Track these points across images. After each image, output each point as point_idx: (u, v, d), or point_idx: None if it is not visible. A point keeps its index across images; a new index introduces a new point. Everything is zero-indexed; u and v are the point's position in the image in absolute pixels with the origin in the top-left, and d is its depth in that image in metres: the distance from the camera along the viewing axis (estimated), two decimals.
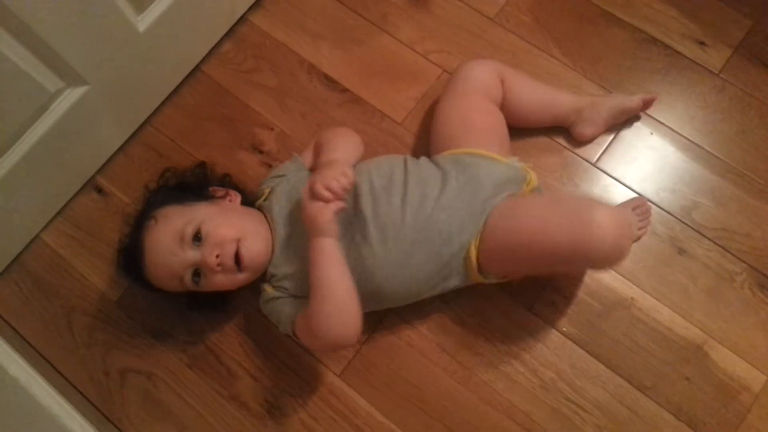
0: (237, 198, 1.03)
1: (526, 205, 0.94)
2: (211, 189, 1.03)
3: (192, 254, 0.91)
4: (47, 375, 0.99)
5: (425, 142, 1.17)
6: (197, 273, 0.92)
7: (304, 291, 0.93)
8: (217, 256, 0.90)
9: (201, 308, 1.05)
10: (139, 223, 0.96)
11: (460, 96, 1.07)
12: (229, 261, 0.91)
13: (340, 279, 0.89)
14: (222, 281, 0.93)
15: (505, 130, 1.07)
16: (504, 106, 1.09)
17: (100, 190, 1.18)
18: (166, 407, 1.05)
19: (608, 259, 0.89)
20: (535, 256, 0.91)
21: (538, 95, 1.13)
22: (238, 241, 0.92)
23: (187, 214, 0.94)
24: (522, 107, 1.11)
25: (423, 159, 1.02)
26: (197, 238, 0.91)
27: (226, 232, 0.92)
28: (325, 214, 0.87)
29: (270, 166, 1.16)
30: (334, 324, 0.88)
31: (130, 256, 0.96)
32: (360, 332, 0.89)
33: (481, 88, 1.07)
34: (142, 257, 0.93)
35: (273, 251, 0.97)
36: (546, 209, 0.92)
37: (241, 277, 0.94)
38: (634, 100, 1.14)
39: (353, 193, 0.95)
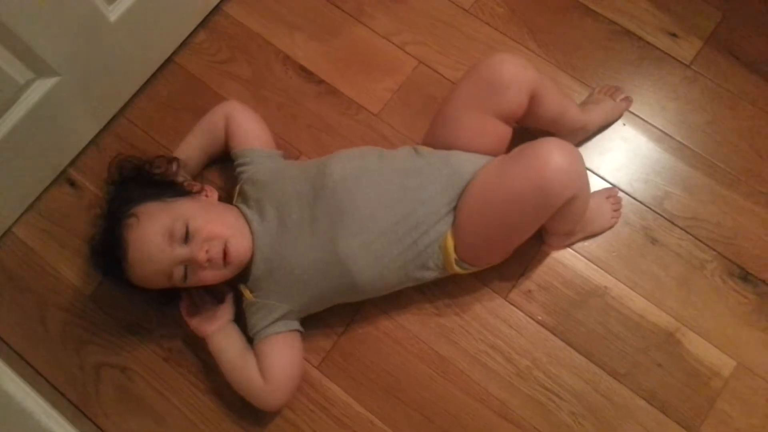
0: (213, 194, 1.02)
1: (482, 173, 0.94)
2: (186, 183, 1.02)
3: (181, 251, 0.90)
4: (21, 371, 0.98)
5: (402, 134, 1.18)
6: (185, 269, 0.91)
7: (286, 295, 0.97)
8: (207, 252, 0.90)
9: (174, 302, 1.04)
10: (115, 220, 0.92)
11: (477, 110, 0.98)
12: (219, 257, 0.91)
13: (228, 374, 0.98)
14: (208, 276, 0.92)
15: (505, 148, 1.03)
16: (518, 119, 1.02)
17: (72, 183, 1.16)
18: (143, 401, 1.04)
19: (567, 185, 0.86)
20: (502, 216, 0.91)
21: (554, 116, 1.04)
22: (226, 237, 0.92)
23: (171, 210, 0.92)
24: (533, 123, 1.05)
25: (404, 149, 1.02)
26: (186, 233, 0.90)
27: (214, 228, 0.92)
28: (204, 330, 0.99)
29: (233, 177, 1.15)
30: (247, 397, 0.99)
31: (110, 255, 0.92)
32: (274, 404, 0.99)
33: (504, 110, 0.97)
34: (126, 256, 0.90)
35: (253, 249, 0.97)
36: (497, 165, 0.93)
37: (226, 273, 0.94)
38: (619, 108, 1.17)
39: (324, 183, 0.95)
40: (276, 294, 0.97)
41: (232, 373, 0.98)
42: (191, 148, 1.10)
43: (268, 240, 0.96)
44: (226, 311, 1.01)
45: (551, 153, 0.86)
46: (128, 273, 0.92)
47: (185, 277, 0.91)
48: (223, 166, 1.15)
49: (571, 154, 0.87)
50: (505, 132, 1.00)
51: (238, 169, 1.05)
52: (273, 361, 0.96)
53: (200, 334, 1.00)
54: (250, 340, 0.99)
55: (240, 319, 1.01)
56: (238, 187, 1.04)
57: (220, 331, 0.99)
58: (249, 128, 1.09)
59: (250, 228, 0.97)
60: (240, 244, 0.94)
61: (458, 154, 0.99)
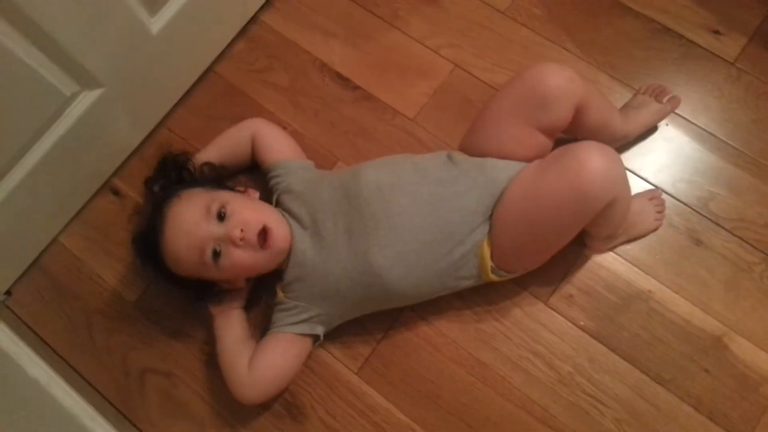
0: (255, 194, 1.05)
1: (518, 179, 0.93)
2: (230, 184, 1.05)
3: (216, 228, 0.91)
4: (67, 376, 1.01)
5: (439, 138, 1.17)
6: (217, 252, 0.91)
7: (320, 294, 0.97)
8: (242, 231, 0.90)
9: (209, 301, 1.05)
10: (160, 201, 0.96)
11: (519, 121, 0.96)
12: (253, 236, 0.91)
13: (219, 356, 0.99)
14: (242, 258, 0.92)
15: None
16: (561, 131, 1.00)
17: (116, 192, 1.19)
18: (186, 407, 1.05)
19: (606, 188, 0.85)
20: (540, 222, 0.89)
21: (597, 127, 1.01)
22: (263, 222, 0.93)
23: (213, 194, 0.95)
24: (573, 133, 1.03)
25: (437, 156, 1.01)
26: (221, 215, 0.92)
27: (251, 215, 0.93)
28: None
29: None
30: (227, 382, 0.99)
31: (149, 233, 0.95)
32: (246, 398, 0.96)
33: (548, 123, 0.95)
34: (163, 230, 0.92)
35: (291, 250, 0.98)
36: (534, 170, 0.92)
37: (261, 257, 0.94)
38: (664, 111, 1.13)
39: (359, 192, 0.95)
40: (307, 297, 0.98)
41: (221, 357, 0.99)
42: (210, 159, 1.10)
43: (304, 246, 0.97)
44: (236, 298, 1.02)
45: (590, 156, 0.84)
46: (163, 250, 0.93)
47: (217, 257, 0.91)
48: (253, 178, 1.16)
49: (611, 157, 0.86)
50: (546, 144, 0.98)
51: (273, 180, 1.06)
52: (267, 356, 0.97)
53: (210, 312, 1.03)
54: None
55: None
56: (274, 198, 1.05)
57: (223, 315, 1.01)
58: (281, 141, 1.11)
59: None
60: (280, 230, 0.95)
61: (494, 161, 0.97)
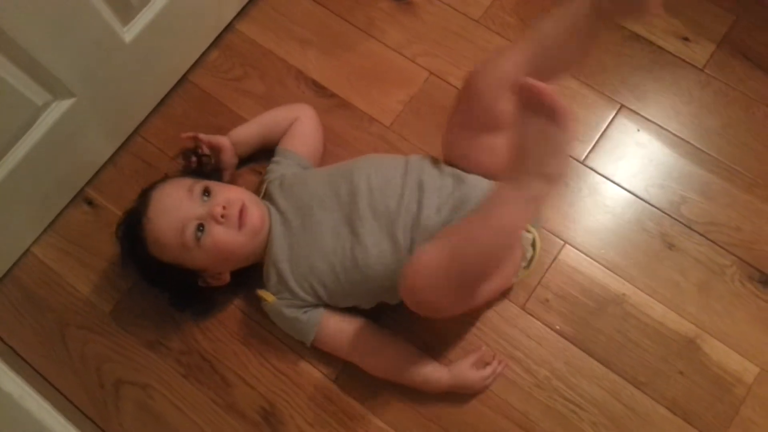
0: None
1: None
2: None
3: (199, 206, 0.94)
4: (42, 389, 0.99)
5: (415, 145, 1.18)
6: (200, 228, 0.93)
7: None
8: (224, 207, 0.93)
9: (185, 307, 1.07)
10: (147, 189, 1.00)
11: (468, 130, 0.97)
12: (235, 213, 0.94)
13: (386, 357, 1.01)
14: (223, 236, 0.94)
15: None
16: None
17: (90, 202, 1.17)
18: (163, 418, 1.04)
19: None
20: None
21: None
22: (243, 200, 0.96)
23: (197, 179, 0.99)
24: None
25: (426, 162, 1.00)
26: (206, 193, 0.96)
27: (233, 194, 0.97)
28: None
29: (260, 173, 1.16)
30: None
31: (133, 216, 0.98)
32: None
33: (490, 121, 0.93)
34: (146, 211, 0.95)
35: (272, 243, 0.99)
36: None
37: (241, 238, 0.95)
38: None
39: (350, 191, 0.97)
40: (298, 290, 0.98)
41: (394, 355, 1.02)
42: (250, 135, 1.15)
43: (287, 239, 0.98)
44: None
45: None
46: (145, 231, 0.95)
47: (198, 236, 0.93)
48: (245, 180, 1.16)
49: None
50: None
51: (271, 165, 1.10)
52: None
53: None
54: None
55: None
56: (264, 186, 1.06)
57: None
58: (308, 137, 1.14)
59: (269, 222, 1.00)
60: (255, 210, 0.97)
61: (475, 182, 0.97)
